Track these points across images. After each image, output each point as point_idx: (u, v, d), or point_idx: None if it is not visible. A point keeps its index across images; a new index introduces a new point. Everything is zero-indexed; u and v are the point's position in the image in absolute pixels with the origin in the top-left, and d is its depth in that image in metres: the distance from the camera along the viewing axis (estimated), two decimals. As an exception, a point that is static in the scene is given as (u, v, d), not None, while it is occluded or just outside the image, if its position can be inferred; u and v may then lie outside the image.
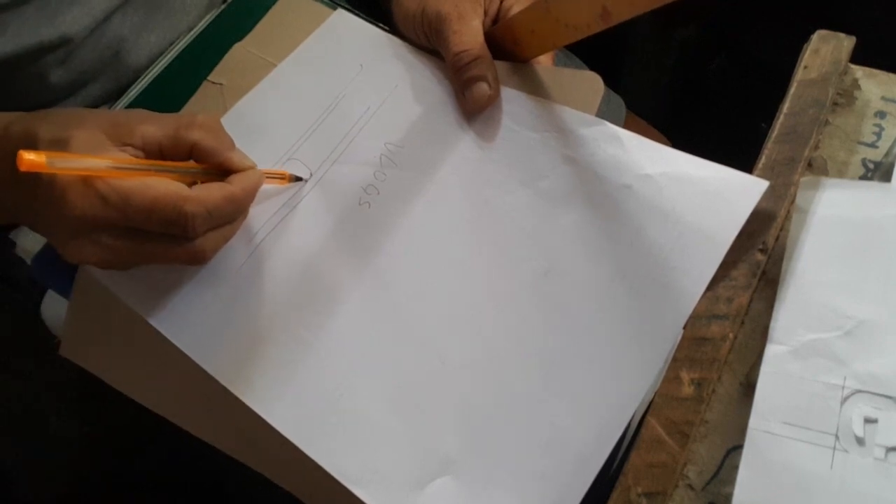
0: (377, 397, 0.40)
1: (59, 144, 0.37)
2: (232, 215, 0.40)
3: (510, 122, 0.47)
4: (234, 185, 0.39)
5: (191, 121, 0.39)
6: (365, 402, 0.40)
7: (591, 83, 0.47)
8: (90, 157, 0.36)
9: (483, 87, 0.46)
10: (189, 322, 0.41)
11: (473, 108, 0.47)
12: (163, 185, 0.37)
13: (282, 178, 0.45)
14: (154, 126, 0.39)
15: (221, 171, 0.40)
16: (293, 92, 0.49)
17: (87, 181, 0.36)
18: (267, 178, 0.43)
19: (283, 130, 0.47)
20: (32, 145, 0.37)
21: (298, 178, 0.45)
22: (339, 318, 0.42)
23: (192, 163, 0.40)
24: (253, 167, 0.41)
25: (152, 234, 0.38)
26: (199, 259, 0.39)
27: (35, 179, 0.36)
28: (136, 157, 0.38)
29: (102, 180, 0.36)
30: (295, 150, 0.47)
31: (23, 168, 0.33)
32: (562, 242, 0.43)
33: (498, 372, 0.41)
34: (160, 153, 0.39)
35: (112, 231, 0.37)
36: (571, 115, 0.46)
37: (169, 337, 0.41)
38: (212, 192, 0.38)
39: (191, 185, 0.39)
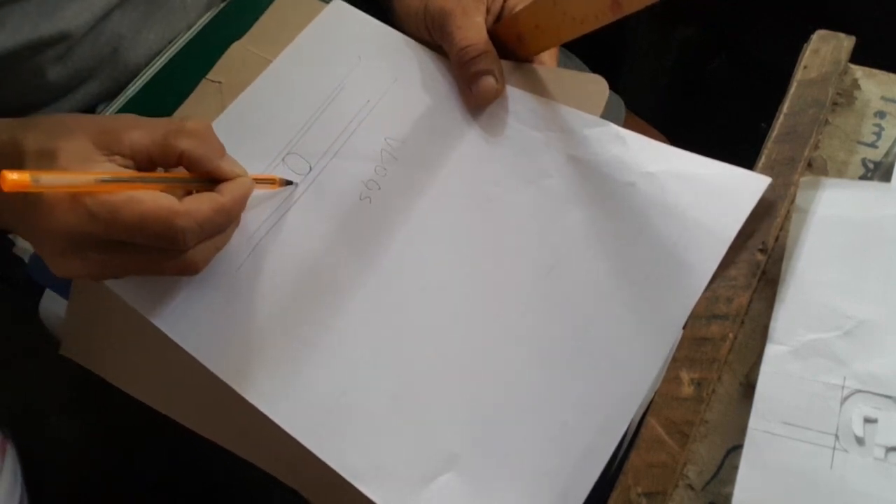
0: (381, 394, 0.40)
1: (47, 156, 0.36)
2: (223, 226, 0.39)
3: (513, 121, 0.47)
4: (225, 196, 0.38)
5: (180, 127, 0.38)
6: (369, 399, 0.40)
7: (596, 86, 0.47)
8: (75, 173, 0.35)
9: (490, 81, 0.46)
10: (192, 321, 0.41)
11: (480, 103, 0.47)
12: (151, 199, 0.36)
13: (272, 182, 0.44)
14: (142, 133, 0.38)
15: (211, 179, 0.40)
16: (291, 86, 0.49)
17: (74, 197, 0.35)
18: (257, 184, 0.42)
19: (282, 125, 0.47)
20: (19, 156, 0.37)
21: (289, 183, 0.45)
22: (342, 315, 0.42)
23: (180, 172, 0.39)
24: (243, 174, 0.40)
25: (142, 248, 0.37)
26: (190, 271, 0.39)
27: (22, 194, 0.35)
28: (126, 166, 0.37)
29: (90, 195, 0.35)
30: (294, 144, 0.47)
31: (6, 188, 0.32)
32: (565, 240, 0.43)
33: (501, 368, 0.41)
34: (149, 160, 0.38)
35: (100, 245, 0.36)
36: (575, 116, 0.46)
37: (172, 336, 0.41)
38: (202, 205, 0.37)
39: (181, 194, 0.38)
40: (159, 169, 0.39)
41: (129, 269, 0.38)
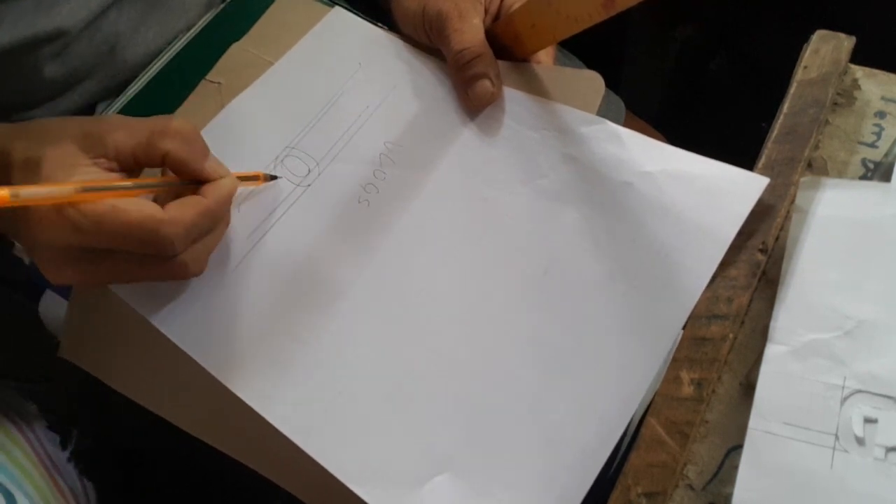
0: (376, 395, 0.40)
1: (31, 164, 0.36)
2: (209, 228, 0.39)
3: (510, 122, 0.47)
4: (209, 198, 0.39)
5: (164, 128, 0.38)
6: (364, 400, 0.40)
7: (592, 83, 0.47)
8: (55, 184, 0.35)
9: (486, 85, 0.46)
10: (189, 321, 0.41)
11: (476, 106, 0.47)
12: (135, 209, 0.36)
13: (255, 178, 0.44)
14: (126, 134, 0.38)
15: (195, 180, 0.40)
16: (290, 90, 0.49)
17: (58, 209, 0.35)
18: (241, 182, 0.42)
19: (281, 128, 0.47)
20: (7, 166, 0.37)
21: (273, 177, 0.45)
22: (338, 317, 0.42)
23: (164, 177, 0.40)
24: (226, 174, 0.40)
25: (132, 255, 0.37)
26: (185, 274, 0.39)
27: (11, 208, 0.35)
28: (111, 168, 0.38)
29: (73, 207, 0.35)
30: (292, 147, 0.47)
31: None
32: (562, 240, 0.43)
33: (498, 370, 0.41)
34: (134, 161, 0.38)
35: (89, 254, 0.37)
36: (572, 114, 0.46)
37: (169, 335, 0.41)
38: (186, 210, 0.37)
39: (165, 197, 0.38)
40: (145, 169, 0.40)
41: (122, 275, 0.38)
